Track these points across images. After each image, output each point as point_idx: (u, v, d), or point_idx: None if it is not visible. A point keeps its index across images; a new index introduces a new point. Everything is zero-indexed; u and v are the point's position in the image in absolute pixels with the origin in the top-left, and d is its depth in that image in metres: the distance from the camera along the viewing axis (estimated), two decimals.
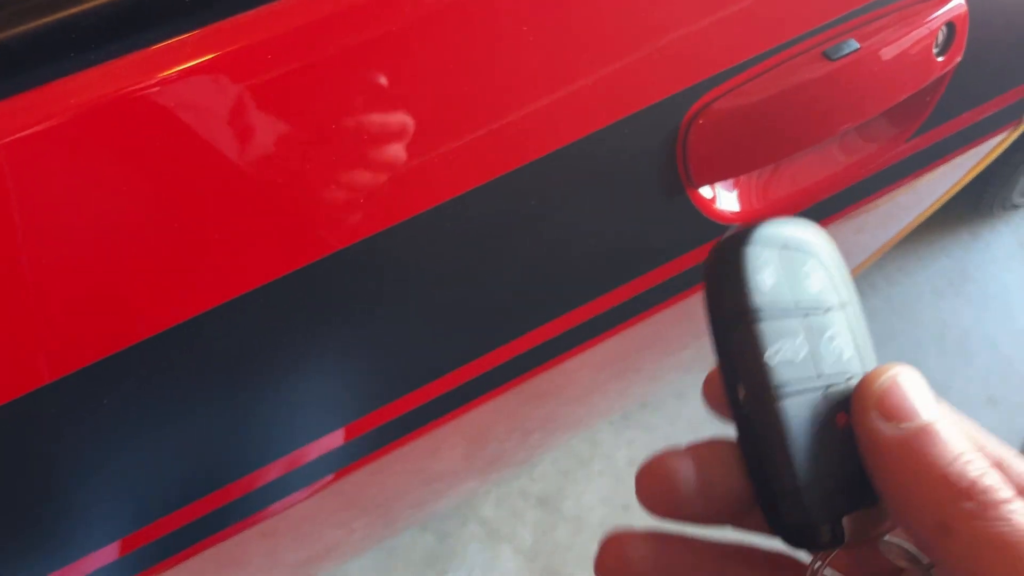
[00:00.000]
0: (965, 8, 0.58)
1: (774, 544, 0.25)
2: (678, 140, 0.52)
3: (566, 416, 0.81)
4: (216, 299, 0.42)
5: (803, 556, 0.25)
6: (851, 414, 0.24)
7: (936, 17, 0.57)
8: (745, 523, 0.26)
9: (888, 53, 0.55)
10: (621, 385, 0.81)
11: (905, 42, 0.56)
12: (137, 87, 0.37)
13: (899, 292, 1.51)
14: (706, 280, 0.25)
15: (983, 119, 0.71)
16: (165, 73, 0.37)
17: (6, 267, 0.37)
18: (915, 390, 0.23)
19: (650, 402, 1.34)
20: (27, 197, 0.36)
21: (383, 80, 0.41)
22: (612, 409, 1.06)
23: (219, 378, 0.44)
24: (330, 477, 0.53)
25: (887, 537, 0.25)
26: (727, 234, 0.25)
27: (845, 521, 0.24)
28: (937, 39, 0.58)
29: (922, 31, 0.56)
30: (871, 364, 0.26)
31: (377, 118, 0.42)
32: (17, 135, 0.35)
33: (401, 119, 0.43)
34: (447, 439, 0.59)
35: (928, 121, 0.65)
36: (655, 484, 0.24)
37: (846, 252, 0.34)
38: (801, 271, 0.25)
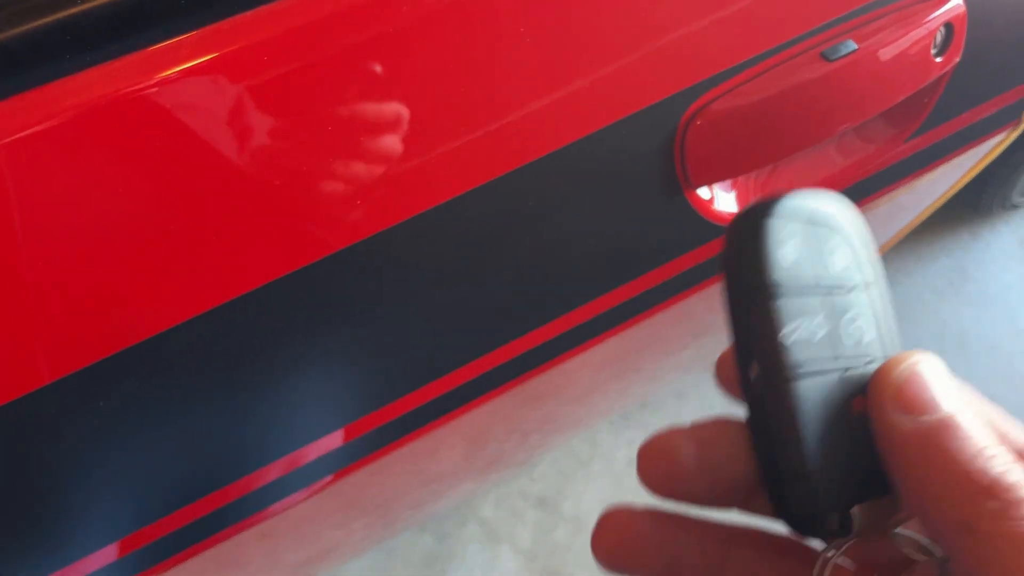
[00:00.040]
0: (963, 8, 0.58)
1: (782, 528, 0.24)
2: (676, 141, 0.52)
3: (565, 416, 0.81)
4: (215, 299, 0.42)
5: (815, 543, 0.24)
6: (868, 404, 0.23)
7: (934, 18, 0.57)
8: (752, 506, 0.25)
9: (886, 54, 0.55)
10: (620, 385, 0.81)
11: (903, 43, 0.56)
12: (136, 87, 0.37)
13: (899, 292, 1.51)
14: (724, 251, 0.24)
15: (982, 119, 0.71)
16: (164, 73, 0.37)
17: (6, 267, 0.37)
18: (936, 380, 0.22)
19: (650, 402, 1.34)
20: (26, 197, 0.36)
21: (381, 81, 0.42)
22: (612, 409, 1.06)
23: (218, 378, 0.44)
24: (329, 478, 0.53)
25: (898, 529, 0.24)
26: (750, 204, 0.24)
27: (855, 511, 0.23)
28: (935, 40, 0.58)
29: (920, 32, 0.56)
30: (893, 349, 0.24)
31: (375, 119, 0.42)
32: (16, 135, 0.35)
33: (399, 120, 0.43)
34: (446, 440, 0.59)
35: (927, 122, 0.65)
36: (657, 462, 0.24)
37: None
38: (825, 247, 0.24)
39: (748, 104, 0.52)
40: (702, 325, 0.76)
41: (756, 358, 0.23)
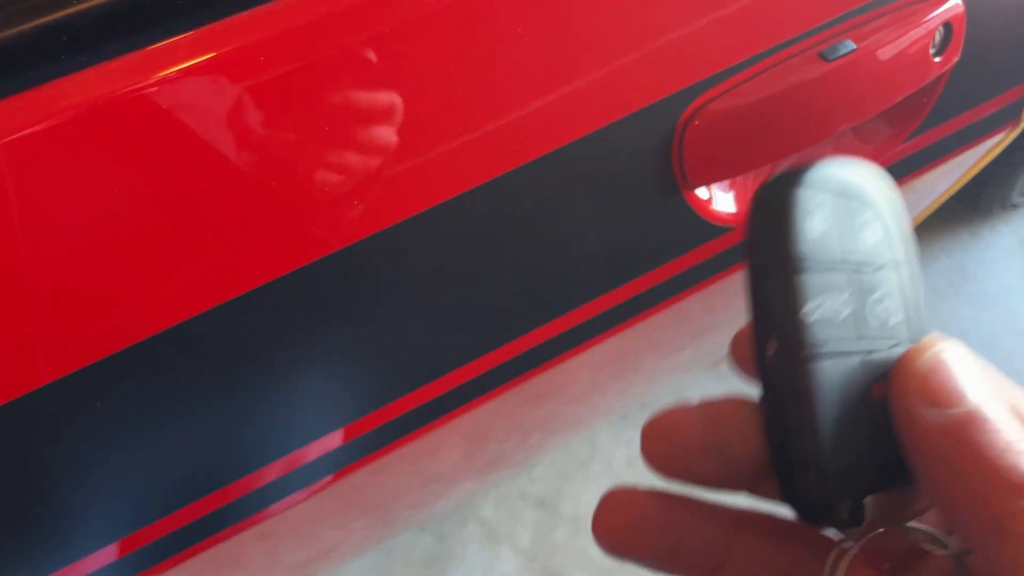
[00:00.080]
0: (962, 8, 0.58)
1: (791, 514, 0.23)
2: (674, 141, 0.52)
3: (565, 417, 0.81)
4: (214, 299, 0.42)
5: (828, 531, 0.23)
6: (890, 394, 0.21)
7: (933, 17, 0.57)
8: (762, 491, 0.23)
9: (885, 54, 0.55)
10: (620, 385, 0.81)
11: (902, 43, 0.56)
12: (134, 87, 0.37)
13: None
14: (749, 220, 0.22)
15: (981, 119, 0.71)
16: (162, 73, 0.37)
17: (4, 267, 0.37)
18: (962, 368, 0.20)
19: (649, 402, 1.33)
20: (24, 197, 0.36)
21: (379, 81, 0.42)
22: (611, 409, 1.06)
23: (217, 378, 0.44)
24: (329, 478, 0.53)
25: (912, 522, 0.23)
26: (779, 171, 0.23)
27: (868, 501, 0.21)
28: (934, 39, 0.58)
29: (919, 31, 0.57)
30: (920, 333, 0.23)
31: (372, 119, 0.42)
32: (15, 135, 0.35)
33: (397, 120, 0.43)
34: (446, 440, 0.59)
35: (926, 122, 0.65)
36: (662, 441, 0.22)
37: None
38: (856, 221, 0.22)
39: (746, 104, 0.52)
40: (701, 326, 0.76)
41: (775, 335, 0.21)
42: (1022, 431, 0.20)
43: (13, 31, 0.36)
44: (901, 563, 0.23)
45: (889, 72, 0.57)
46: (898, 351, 0.22)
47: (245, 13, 0.39)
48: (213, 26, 0.39)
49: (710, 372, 1.28)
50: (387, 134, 0.43)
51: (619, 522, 0.23)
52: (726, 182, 0.58)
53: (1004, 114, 0.72)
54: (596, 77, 0.47)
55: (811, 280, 0.21)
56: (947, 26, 0.58)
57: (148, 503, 0.46)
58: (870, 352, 0.22)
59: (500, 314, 0.53)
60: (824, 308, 0.21)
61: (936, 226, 1.58)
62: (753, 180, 0.60)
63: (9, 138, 0.35)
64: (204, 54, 0.38)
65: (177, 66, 0.37)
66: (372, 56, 0.41)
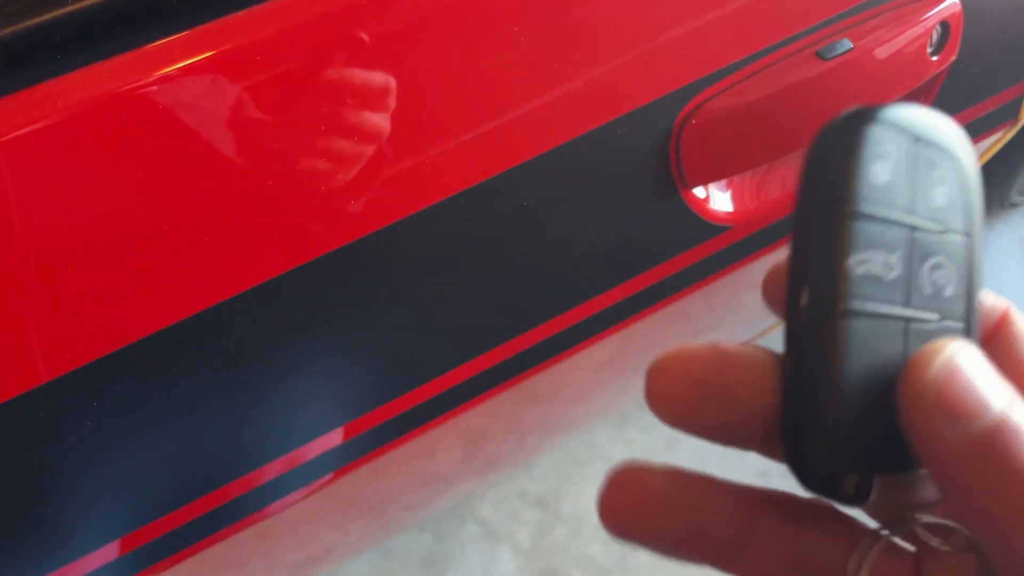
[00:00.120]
0: (959, 7, 0.58)
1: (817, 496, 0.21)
2: (671, 140, 0.52)
3: (563, 416, 0.81)
4: (212, 298, 0.42)
5: (863, 517, 0.21)
6: (901, 408, 0.19)
7: (930, 16, 0.57)
8: (775, 452, 0.21)
9: (882, 52, 0.55)
10: (618, 385, 0.81)
11: (899, 41, 0.56)
12: (132, 86, 0.37)
13: None
14: (808, 153, 0.20)
15: (979, 118, 0.71)
16: (160, 72, 0.37)
17: (2, 266, 0.37)
18: (979, 373, 0.18)
19: None
20: (21, 195, 0.36)
21: (376, 81, 0.42)
22: (610, 409, 1.06)
23: (215, 377, 0.44)
24: (326, 478, 0.53)
25: (927, 517, 0.21)
26: (857, 107, 0.20)
27: (877, 480, 0.20)
28: (931, 38, 0.58)
29: (916, 30, 0.57)
30: (974, 317, 0.21)
31: (369, 119, 0.42)
32: (12, 134, 0.35)
33: (394, 119, 0.43)
34: (443, 440, 0.59)
35: None
36: (668, 380, 0.20)
37: None
38: (930, 175, 0.20)
39: (744, 103, 0.52)
40: (700, 325, 0.76)
41: (811, 282, 0.19)
42: None
43: (11, 30, 0.36)
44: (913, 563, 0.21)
45: (886, 71, 0.57)
46: (947, 326, 0.20)
47: (243, 12, 0.39)
48: (211, 25, 0.39)
49: None
50: (383, 133, 0.43)
51: (630, 502, 0.21)
52: (723, 181, 0.58)
53: (1002, 113, 0.72)
54: (593, 76, 0.47)
55: (864, 229, 0.19)
56: (944, 25, 0.58)
57: (146, 502, 0.46)
58: (915, 321, 0.20)
59: (498, 313, 0.53)
60: (872, 263, 0.19)
61: None
62: (750, 179, 0.60)
63: (6, 137, 0.35)
64: (201, 53, 0.38)
65: (174, 65, 0.37)
66: (369, 56, 0.41)
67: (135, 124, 0.37)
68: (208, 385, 0.44)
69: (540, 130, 0.47)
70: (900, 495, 0.20)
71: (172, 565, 0.50)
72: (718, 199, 0.58)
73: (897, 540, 0.21)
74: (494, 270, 0.51)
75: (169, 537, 0.48)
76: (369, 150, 0.43)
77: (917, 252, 0.20)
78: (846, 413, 0.19)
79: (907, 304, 0.20)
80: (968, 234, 0.21)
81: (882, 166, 0.19)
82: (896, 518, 0.21)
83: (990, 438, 0.17)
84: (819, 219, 0.19)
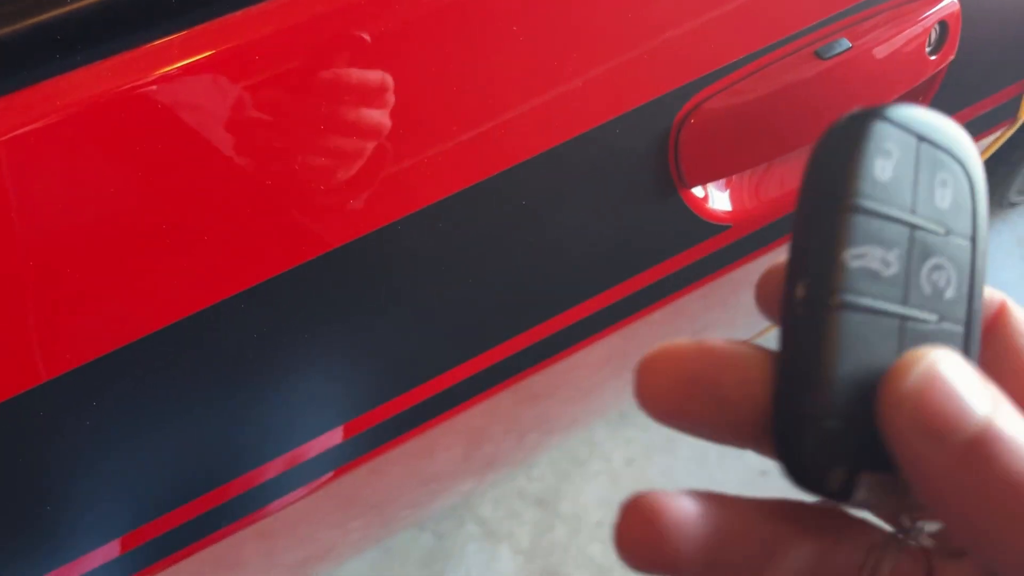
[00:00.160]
0: (958, 6, 0.58)
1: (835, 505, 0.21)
2: (670, 140, 0.52)
3: (563, 416, 0.81)
4: (211, 298, 0.42)
5: (877, 522, 0.21)
6: (880, 422, 0.18)
7: (929, 16, 0.57)
8: (766, 448, 0.21)
9: (880, 52, 0.56)
10: (618, 384, 0.81)
11: (897, 41, 0.56)
12: (130, 85, 0.37)
13: None
14: (813, 150, 0.20)
15: (978, 117, 0.71)
16: (159, 72, 0.37)
17: (1, 265, 0.37)
18: (961, 380, 0.17)
19: None
20: (20, 195, 0.36)
21: (375, 81, 0.42)
22: (609, 408, 1.06)
23: (214, 376, 0.44)
24: (325, 477, 0.53)
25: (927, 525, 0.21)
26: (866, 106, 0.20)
27: (863, 477, 0.20)
28: (930, 37, 0.58)
29: (915, 30, 0.57)
30: (975, 321, 0.20)
31: (368, 118, 0.42)
32: (11, 134, 0.35)
33: (392, 119, 0.43)
34: (443, 439, 0.59)
35: None
36: (656, 375, 0.20)
37: None
38: (934, 176, 0.20)
39: (742, 103, 0.52)
40: (698, 324, 0.76)
41: (807, 274, 0.19)
42: None
43: (10, 29, 0.36)
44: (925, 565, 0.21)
45: (885, 70, 0.57)
46: (945, 328, 0.20)
47: (241, 12, 0.39)
48: (210, 24, 0.39)
49: None
50: (382, 132, 0.43)
51: (646, 535, 0.20)
52: (722, 181, 0.58)
53: (1001, 112, 0.72)
54: (592, 75, 0.47)
55: (863, 223, 0.19)
56: (943, 24, 0.58)
57: (145, 501, 0.46)
58: (911, 320, 0.20)
59: (497, 312, 0.53)
60: (870, 258, 0.19)
61: None
62: (749, 179, 0.60)
63: (5, 136, 0.35)
64: (201, 52, 0.38)
65: (174, 64, 0.37)
66: (368, 55, 0.41)
67: (134, 123, 0.37)
68: (207, 384, 0.44)
69: (538, 130, 0.47)
70: (886, 495, 0.20)
71: (172, 564, 0.50)
72: (717, 198, 0.58)
73: (912, 542, 0.21)
74: (493, 269, 0.51)
75: (169, 536, 0.48)
76: (368, 149, 0.43)
77: (917, 251, 0.20)
78: (835, 407, 0.19)
79: (904, 302, 0.19)
80: (971, 239, 0.21)
81: (885, 163, 0.19)
82: (884, 517, 0.21)
83: (972, 448, 0.17)
84: (819, 212, 0.19)
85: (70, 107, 0.36)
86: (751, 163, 0.57)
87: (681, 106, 0.51)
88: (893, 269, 0.19)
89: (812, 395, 0.19)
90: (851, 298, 0.19)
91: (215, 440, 0.47)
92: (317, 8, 0.40)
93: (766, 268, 0.21)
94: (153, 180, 0.39)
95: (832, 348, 0.19)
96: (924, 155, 0.20)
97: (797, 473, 0.20)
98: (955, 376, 0.17)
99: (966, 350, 0.20)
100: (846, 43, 0.54)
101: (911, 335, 0.19)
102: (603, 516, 1.22)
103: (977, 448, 0.17)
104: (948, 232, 0.20)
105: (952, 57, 0.60)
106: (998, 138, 0.80)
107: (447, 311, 0.50)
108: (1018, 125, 0.78)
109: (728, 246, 0.59)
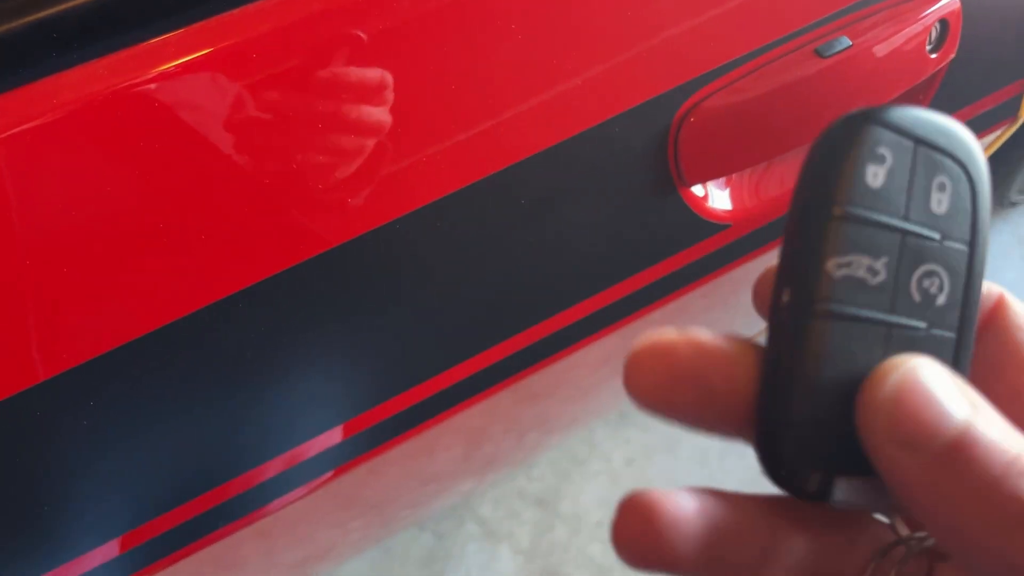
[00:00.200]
0: (958, 5, 0.58)
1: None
2: (670, 138, 0.52)
3: (563, 415, 0.81)
4: (210, 297, 0.42)
5: (876, 518, 0.21)
6: (859, 430, 0.18)
7: (929, 14, 0.57)
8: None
9: (881, 50, 0.55)
10: (617, 384, 0.81)
11: (898, 39, 0.56)
12: (129, 83, 0.37)
13: None
14: (807, 154, 0.20)
15: (978, 116, 0.71)
16: (157, 69, 0.37)
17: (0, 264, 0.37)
18: (938, 386, 0.17)
19: None
20: (18, 193, 0.36)
21: (374, 78, 0.42)
22: (609, 408, 1.06)
23: (214, 376, 0.44)
24: (325, 476, 0.53)
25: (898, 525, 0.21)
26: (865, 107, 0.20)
27: (840, 481, 0.20)
28: (930, 36, 0.58)
29: (915, 28, 0.56)
30: (967, 327, 0.20)
31: (367, 117, 0.42)
32: (8, 132, 0.35)
33: (391, 117, 0.43)
34: (442, 439, 0.59)
35: None
36: (644, 364, 0.20)
37: None
38: (931, 179, 0.19)
39: (742, 101, 0.52)
40: (698, 323, 0.76)
41: (792, 282, 0.19)
42: (1019, 440, 0.17)
43: (7, 27, 0.36)
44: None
45: (885, 69, 0.57)
46: (936, 336, 0.20)
47: (240, 9, 0.39)
48: (208, 22, 0.39)
49: None
50: (381, 130, 0.43)
51: (644, 533, 0.20)
52: (722, 179, 0.58)
53: (1001, 110, 0.72)
54: (591, 74, 0.47)
55: (851, 232, 0.19)
56: (943, 22, 0.58)
57: (145, 501, 0.46)
58: (898, 328, 0.19)
59: (496, 311, 0.53)
60: (856, 267, 0.19)
61: None
62: (749, 177, 0.60)
63: (2, 134, 0.35)
64: (199, 50, 0.38)
65: (172, 62, 0.37)
66: (367, 54, 0.41)
67: (131, 121, 0.37)
68: (206, 383, 0.44)
69: (537, 128, 0.47)
70: (866, 497, 0.20)
71: (171, 564, 0.50)
72: (716, 197, 0.58)
73: (915, 545, 0.21)
74: (492, 268, 0.51)
75: (168, 536, 0.48)
76: (367, 148, 0.43)
77: (907, 259, 0.19)
78: (814, 412, 0.19)
79: (891, 311, 0.19)
80: (969, 243, 0.20)
81: (878, 169, 0.19)
82: (860, 518, 0.21)
83: (949, 453, 0.17)
84: (807, 220, 0.19)
85: (67, 105, 0.36)
86: (751, 162, 0.57)
87: (681, 104, 0.51)
88: (880, 277, 0.19)
89: (791, 401, 0.19)
90: (835, 307, 0.19)
91: (214, 439, 0.47)
92: (315, 5, 0.40)
93: (762, 271, 0.21)
94: (151, 178, 0.38)
95: (812, 356, 0.19)
96: (921, 158, 0.19)
97: (775, 473, 0.20)
98: (933, 382, 0.17)
99: (956, 356, 0.20)
100: (846, 41, 0.54)
101: (897, 342, 0.19)
102: (603, 516, 1.22)
103: (955, 453, 0.17)
104: (944, 237, 0.20)
105: (953, 55, 0.60)
106: (999, 137, 0.80)
107: (446, 310, 0.50)
108: (1019, 124, 0.78)
109: (728, 245, 0.59)
